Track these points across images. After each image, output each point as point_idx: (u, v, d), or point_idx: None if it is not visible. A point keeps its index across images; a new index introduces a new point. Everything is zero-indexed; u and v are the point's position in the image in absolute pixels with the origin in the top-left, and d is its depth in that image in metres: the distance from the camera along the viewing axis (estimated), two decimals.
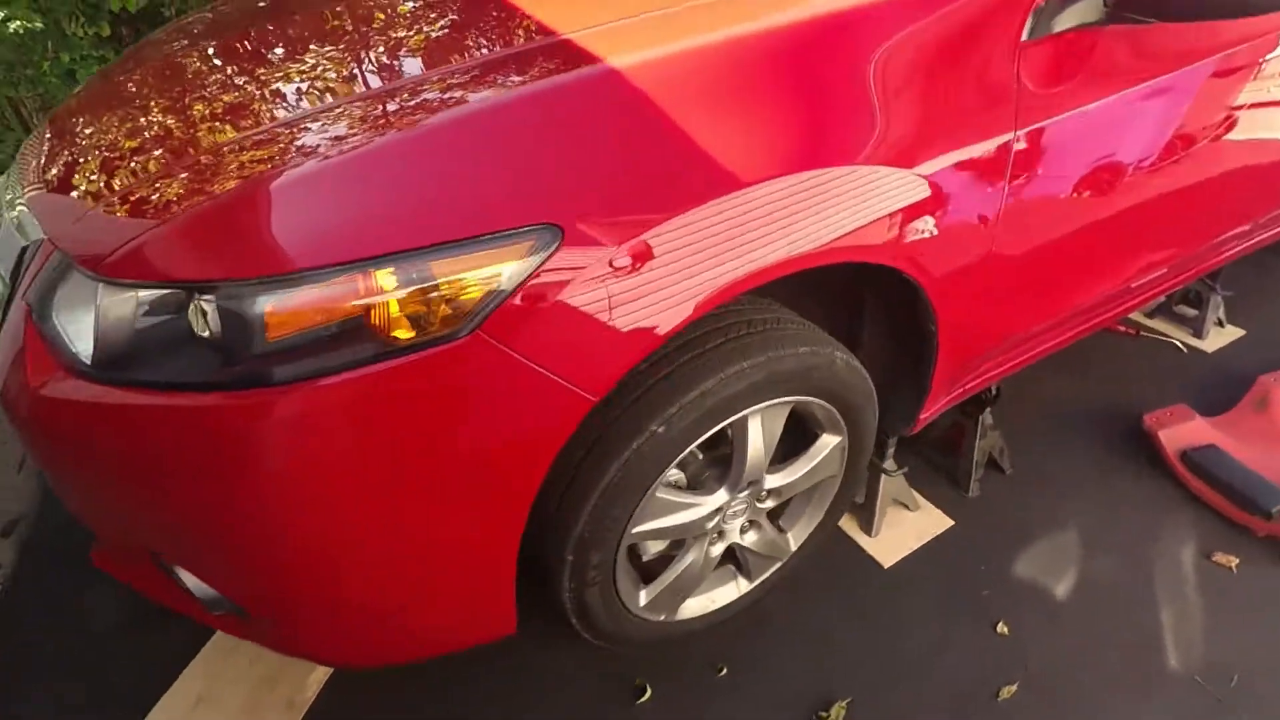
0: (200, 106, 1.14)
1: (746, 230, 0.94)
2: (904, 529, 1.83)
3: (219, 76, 1.24)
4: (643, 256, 0.89)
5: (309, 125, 0.97)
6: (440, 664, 1.48)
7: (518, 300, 0.84)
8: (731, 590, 1.48)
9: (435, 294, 0.83)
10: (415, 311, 0.83)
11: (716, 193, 0.91)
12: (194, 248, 0.84)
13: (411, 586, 0.99)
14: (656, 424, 1.06)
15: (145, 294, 0.84)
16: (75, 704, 1.49)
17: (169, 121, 1.14)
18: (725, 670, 1.53)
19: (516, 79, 0.96)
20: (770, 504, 1.37)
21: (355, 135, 0.89)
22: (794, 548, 1.50)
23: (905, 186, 1.08)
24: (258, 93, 1.14)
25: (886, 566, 1.74)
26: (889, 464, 1.77)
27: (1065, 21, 1.19)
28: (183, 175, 0.95)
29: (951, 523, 1.84)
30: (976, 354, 1.45)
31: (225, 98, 1.15)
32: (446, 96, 0.94)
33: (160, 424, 0.86)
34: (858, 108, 1.03)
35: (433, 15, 1.27)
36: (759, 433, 1.21)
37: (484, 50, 1.10)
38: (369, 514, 0.90)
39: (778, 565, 1.50)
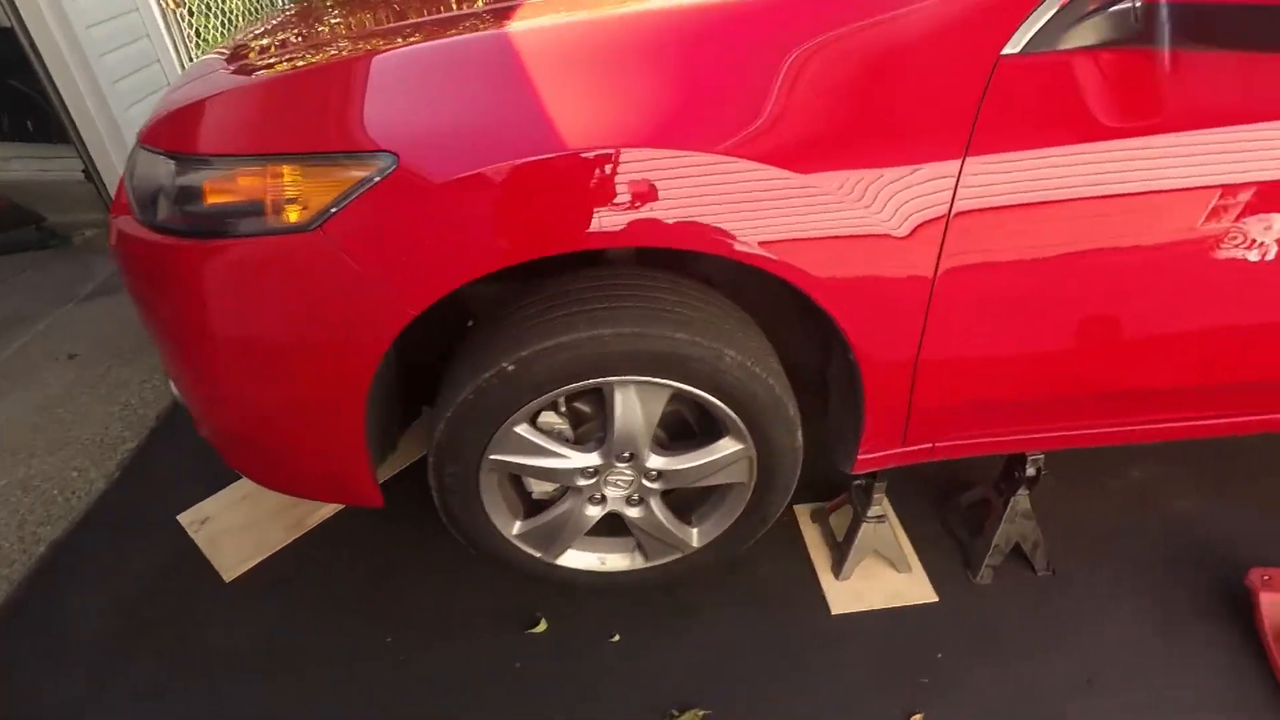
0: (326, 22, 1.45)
1: (571, 193, 1.00)
2: (877, 584, 1.68)
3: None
4: (473, 194, 1.00)
5: (308, 50, 1.22)
6: (400, 556, 1.74)
7: (353, 209, 1.02)
8: (625, 560, 1.52)
9: (303, 192, 1.03)
10: (289, 201, 1.04)
11: (544, 150, 0.98)
12: (176, 129, 1.14)
13: (273, 426, 1.24)
14: (508, 361, 1.16)
15: (154, 158, 1.16)
16: (172, 477, 2.02)
17: (304, 28, 1.45)
18: (618, 638, 1.58)
19: (415, 37, 1.11)
20: (659, 485, 1.38)
21: (282, 64, 1.13)
22: (696, 544, 1.48)
23: (786, 188, 1.03)
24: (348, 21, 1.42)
25: (834, 613, 1.62)
26: (873, 510, 1.63)
27: (1079, 37, 1.01)
28: (234, 73, 1.24)
29: (935, 599, 1.65)
30: (933, 406, 1.28)
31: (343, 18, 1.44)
32: (358, 46, 1.13)
33: (147, 256, 1.18)
34: (744, 100, 1.00)
35: None
36: (629, 405, 1.24)
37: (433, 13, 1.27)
38: (244, 355, 1.16)
39: (678, 556, 1.50)
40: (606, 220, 1.02)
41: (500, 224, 1.02)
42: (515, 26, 1.05)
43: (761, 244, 1.07)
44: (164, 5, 3.10)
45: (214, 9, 3.44)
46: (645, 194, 1.01)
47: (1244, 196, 1.07)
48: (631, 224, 1.02)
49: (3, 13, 2.65)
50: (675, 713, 1.43)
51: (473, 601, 1.65)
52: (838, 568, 1.70)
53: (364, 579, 1.71)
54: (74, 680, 1.52)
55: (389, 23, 1.32)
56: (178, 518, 1.89)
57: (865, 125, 1.02)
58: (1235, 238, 1.11)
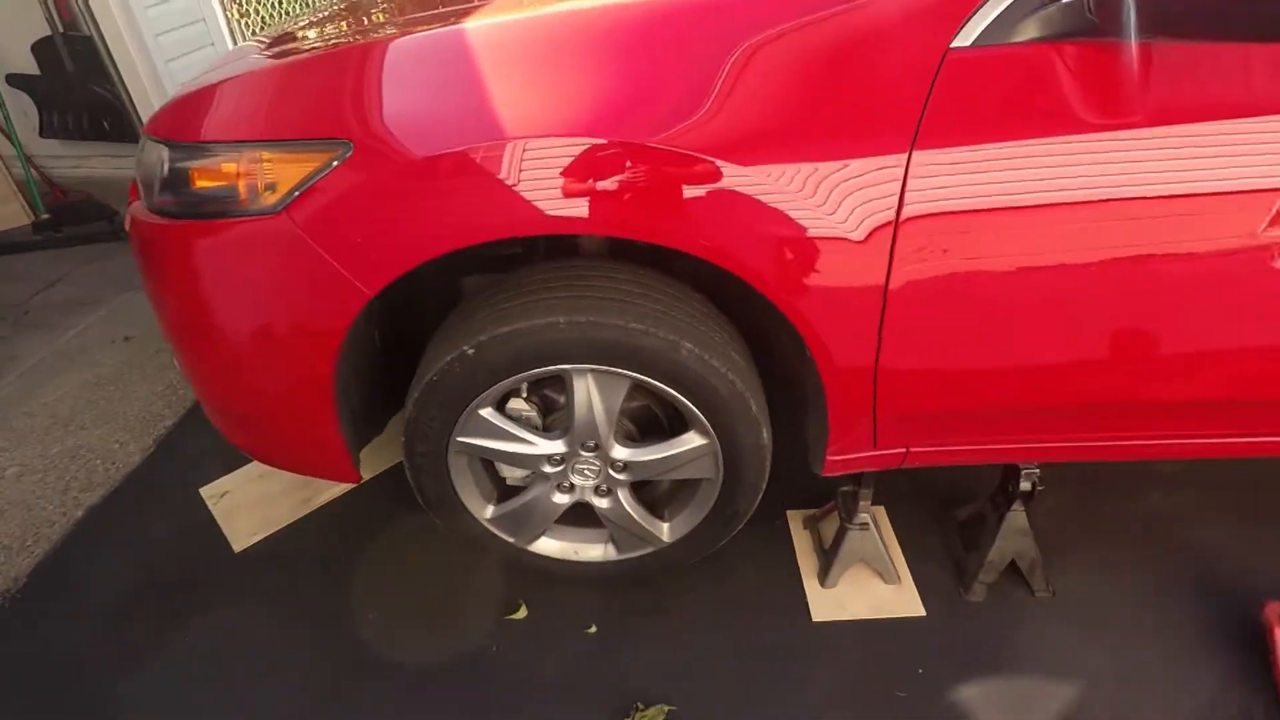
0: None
1: (518, 177, 1.02)
2: (863, 594, 1.63)
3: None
4: (418, 180, 1.04)
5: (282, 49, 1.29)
6: (397, 538, 1.79)
7: (313, 193, 1.07)
8: (598, 551, 1.53)
9: (268, 177, 1.10)
10: (259, 185, 1.11)
11: (487, 137, 1.01)
12: (170, 119, 1.22)
13: (251, 400, 1.30)
14: (468, 345, 1.20)
15: (153, 145, 1.25)
16: (201, 453, 2.15)
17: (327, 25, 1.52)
18: (595, 629, 1.59)
19: (378, 33, 1.16)
20: (625, 477, 1.38)
21: (276, 59, 1.20)
22: (667, 539, 1.47)
23: (727, 181, 1.02)
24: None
25: (814, 620, 1.59)
26: (858, 517, 1.59)
27: (1032, 29, 0.97)
28: (230, 69, 1.32)
29: (922, 614, 1.59)
30: (900, 410, 1.24)
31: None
32: (326, 43, 1.19)
33: (146, 237, 1.27)
34: (687, 92, 1.00)
35: None
36: (590, 395, 1.25)
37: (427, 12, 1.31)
38: (223, 331, 1.23)
39: (650, 550, 1.50)
40: (541, 210, 1.04)
41: (443, 209, 1.05)
42: (467, 23, 1.09)
43: (708, 239, 1.07)
44: (229, 15, 3.31)
45: (275, 17, 3.65)
46: (584, 182, 1.02)
47: (1230, 199, 1.00)
48: (566, 213, 1.04)
49: (85, 22, 2.90)
50: (641, 706, 1.43)
51: (461, 585, 1.68)
52: (823, 575, 1.66)
53: (360, 559, 1.77)
54: (86, 634, 1.63)
55: (400, 18, 1.38)
56: (200, 490, 2.01)
57: (809, 120, 1.01)
58: (1228, 242, 1.04)
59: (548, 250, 1.45)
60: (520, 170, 1.02)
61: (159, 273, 1.27)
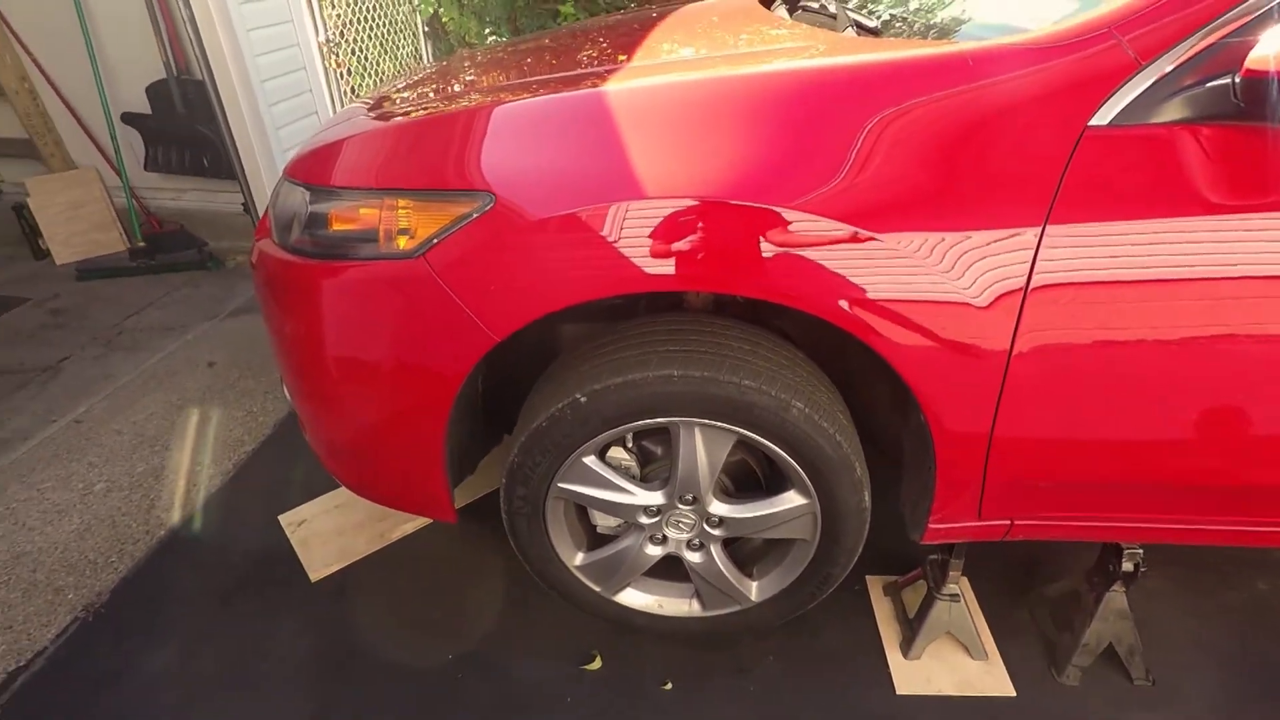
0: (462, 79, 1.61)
1: (646, 237, 1.06)
2: (948, 669, 1.58)
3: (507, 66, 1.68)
4: (558, 233, 1.08)
5: (425, 104, 1.36)
6: (473, 579, 1.81)
7: (452, 241, 1.12)
8: (683, 606, 1.51)
9: (410, 223, 1.15)
10: (400, 231, 1.16)
11: (630, 196, 1.05)
12: (312, 164, 1.30)
13: (363, 435, 1.34)
14: (581, 393, 1.22)
15: (293, 188, 1.32)
16: (279, 480, 2.21)
17: (438, 83, 1.61)
18: (671, 686, 1.56)
19: (525, 95, 1.22)
20: (720, 533, 1.38)
21: (411, 113, 1.27)
22: (755, 598, 1.45)
23: (862, 248, 1.05)
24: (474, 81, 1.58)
25: (898, 693, 1.54)
26: (948, 588, 1.55)
27: (1172, 111, 0.99)
28: (370, 119, 1.39)
29: (1013, 694, 1.53)
30: (1010, 481, 1.22)
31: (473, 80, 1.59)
32: (476, 100, 1.26)
33: (278, 273, 1.33)
34: (825, 160, 1.04)
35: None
36: (695, 448, 1.26)
37: (544, 75, 1.37)
38: (345, 366, 1.27)
39: (736, 608, 1.48)
40: (680, 266, 1.07)
41: (580, 262, 1.09)
42: (608, 86, 1.14)
43: (834, 301, 1.09)
44: (327, 65, 3.50)
45: (369, 70, 3.85)
46: (719, 243, 1.05)
47: None
48: (703, 271, 1.07)
49: (199, 67, 3.10)
50: None
51: (536, 631, 1.68)
52: (907, 646, 1.61)
53: (436, 596, 1.78)
54: (166, 653, 1.66)
55: (510, 80, 1.46)
56: (279, 517, 2.05)
57: (945, 189, 1.03)
58: None
59: (648, 304, 1.49)
60: (660, 229, 1.05)
61: (287, 307, 1.33)
